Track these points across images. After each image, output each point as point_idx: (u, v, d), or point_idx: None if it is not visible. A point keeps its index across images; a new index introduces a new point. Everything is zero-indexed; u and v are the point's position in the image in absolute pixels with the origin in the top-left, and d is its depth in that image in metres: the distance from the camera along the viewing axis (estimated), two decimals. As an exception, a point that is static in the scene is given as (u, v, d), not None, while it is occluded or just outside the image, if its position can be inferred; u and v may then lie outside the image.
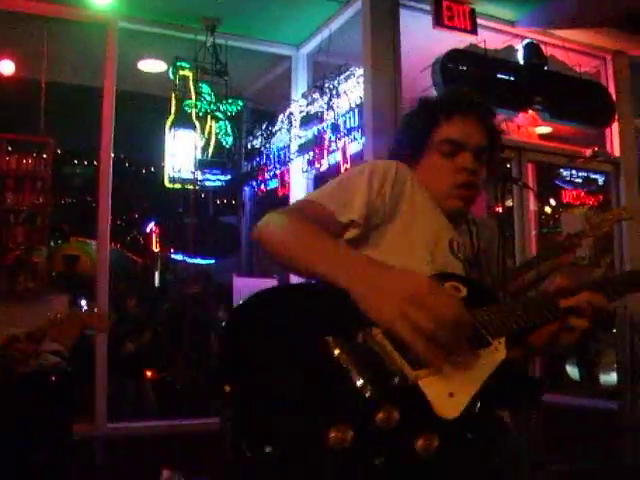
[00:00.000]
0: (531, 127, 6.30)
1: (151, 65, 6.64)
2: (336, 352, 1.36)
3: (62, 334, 2.94)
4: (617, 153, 6.57)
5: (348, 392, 1.33)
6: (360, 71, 5.40)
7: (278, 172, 6.35)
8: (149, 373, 6.72)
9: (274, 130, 6.41)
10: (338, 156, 5.54)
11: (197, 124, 6.17)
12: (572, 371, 8.50)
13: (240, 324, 1.43)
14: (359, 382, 1.34)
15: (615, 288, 1.75)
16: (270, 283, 5.94)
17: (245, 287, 5.81)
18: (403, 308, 1.33)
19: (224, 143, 6.26)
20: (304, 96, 6.11)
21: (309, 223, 1.63)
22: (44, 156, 5.31)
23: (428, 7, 5.36)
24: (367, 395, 1.33)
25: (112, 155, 5.45)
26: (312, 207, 1.75)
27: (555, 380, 7.74)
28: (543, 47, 6.16)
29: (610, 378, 7.26)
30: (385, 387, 1.35)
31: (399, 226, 1.82)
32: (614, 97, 6.53)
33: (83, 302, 7.13)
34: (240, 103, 6.33)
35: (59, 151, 8.04)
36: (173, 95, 6.18)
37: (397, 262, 1.52)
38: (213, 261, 7.37)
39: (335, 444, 1.26)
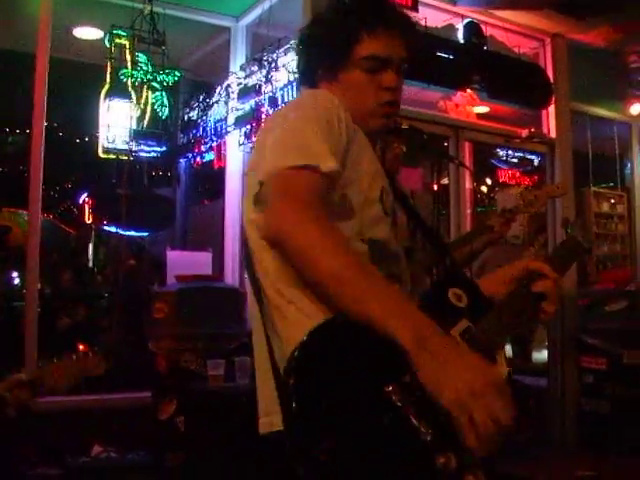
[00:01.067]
0: (469, 106, 6.35)
1: (87, 32, 6.48)
2: (397, 399, 1.33)
3: (58, 381, 2.84)
4: (553, 134, 6.68)
5: (408, 437, 1.32)
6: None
7: (214, 145, 6.26)
8: (82, 347, 6.62)
9: (211, 102, 6.31)
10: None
11: (133, 94, 6.04)
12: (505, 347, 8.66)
13: (308, 369, 1.37)
14: (417, 427, 1.32)
15: (563, 263, 1.78)
16: (204, 256, 5.90)
17: (179, 260, 5.76)
18: (467, 400, 1.29)
19: (160, 114, 6.15)
20: (242, 68, 6.03)
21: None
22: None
23: (370, -18, 5.32)
24: (427, 439, 1.31)
25: (45, 124, 5.32)
26: (295, 179, 1.50)
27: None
28: (483, 27, 6.20)
29: (541, 355, 7.43)
30: (442, 431, 1.32)
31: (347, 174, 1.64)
32: (552, 79, 6.62)
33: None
34: (177, 74, 6.21)
35: (-12, 118, 7.87)
36: (109, 64, 6.02)
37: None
38: (147, 234, 7.29)
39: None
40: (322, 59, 1.83)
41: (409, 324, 1.35)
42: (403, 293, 1.50)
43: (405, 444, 1.32)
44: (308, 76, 1.89)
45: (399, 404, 1.33)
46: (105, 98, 6.04)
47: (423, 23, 5.71)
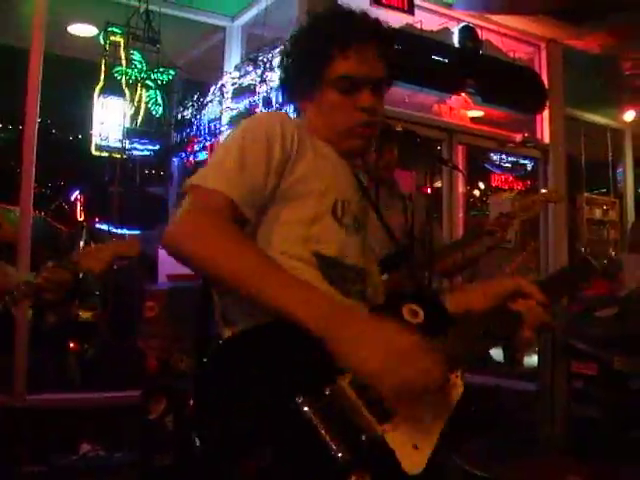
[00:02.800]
0: (463, 110, 6.35)
1: (81, 29, 6.49)
2: (306, 412, 1.32)
3: (94, 260, 2.89)
4: (546, 140, 6.68)
5: (319, 455, 1.30)
6: (287, 47, 5.33)
7: (208, 144, 6.25)
8: (72, 344, 6.59)
9: (205, 101, 6.30)
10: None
11: (127, 92, 6.04)
12: (496, 352, 8.67)
13: (212, 378, 1.37)
14: (329, 444, 1.30)
15: (562, 286, 1.76)
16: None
17: (170, 259, 5.73)
18: (391, 364, 1.32)
19: (154, 112, 6.16)
20: (237, 68, 6.02)
21: (247, 240, 1.54)
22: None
23: (365, -16, 5.33)
24: (339, 457, 1.30)
25: (38, 120, 5.30)
26: (214, 199, 1.55)
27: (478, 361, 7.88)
28: (479, 31, 6.21)
29: (532, 360, 7.43)
30: (354, 447, 1.32)
31: (284, 193, 1.66)
32: (546, 84, 6.63)
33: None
34: (172, 72, 6.22)
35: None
36: (103, 61, 6.02)
37: (274, 240, 1.60)
38: (138, 232, 7.26)
39: None
40: (297, 79, 1.81)
41: (317, 310, 1.39)
42: (309, 283, 1.47)
43: (315, 462, 1.30)
44: (288, 94, 1.89)
45: (311, 417, 1.32)
46: (99, 95, 6.04)
47: (419, 26, 5.72)
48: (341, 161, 1.79)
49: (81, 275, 2.89)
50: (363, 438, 1.34)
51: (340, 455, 1.29)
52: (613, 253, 8.22)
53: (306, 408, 1.32)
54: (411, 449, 1.37)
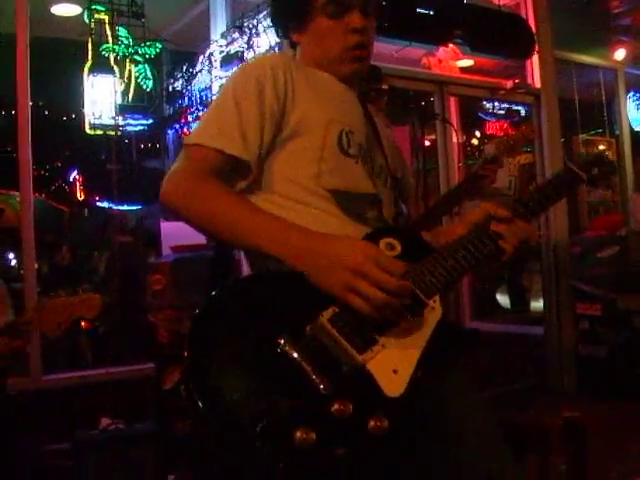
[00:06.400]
0: (452, 61, 6.33)
1: (65, 9, 6.43)
2: (288, 351, 1.39)
3: (47, 322, 2.76)
4: (538, 84, 6.66)
5: (304, 390, 1.37)
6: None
7: (201, 114, 6.26)
8: (83, 323, 6.66)
9: (195, 71, 6.30)
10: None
11: (116, 68, 6.04)
12: (503, 299, 8.75)
13: (204, 323, 1.44)
14: (312, 378, 1.37)
15: (538, 202, 1.72)
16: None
17: (172, 231, 5.78)
18: (349, 281, 1.41)
19: (144, 87, 6.16)
20: (223, 36, 6.01)
21: (219, 187, 1.60)
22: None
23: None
24: (321, 389, 1.37)
25: (30, 103, 5.30)
26: (201, 154, 1.64)
27: (485, 308, 7.96)
28: (462, -20, 6.15)
29: (539, 304, 7.50)
30: (336, 378, 1.39)
31: (288, 135, 1.72)
32: (534, 29, 6.59)
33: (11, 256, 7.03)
34: (159, 45, 6.21)
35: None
36: (89, 40, 6.00)
37: (284, 184, 1.66)
38: (139, 207, 7.30)
39: (300, 444, 1.30)
40: (288, 11, 1.87)
41: (286, 244, 1.49)
42: (278, 218, 1.56)
43: (300, 397, 1.36)
44: (281, 30, 1.93)
45: (292, 355, 1.39)
46: (88, 74, 6.04)
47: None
48: (344, 87, 1.84)
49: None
50: (344, 369, 1.40)
51: (322, 387, 1.37)
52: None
53: (287, 347, 1.39)
54: (391, 374, 1.42)
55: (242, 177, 1.71)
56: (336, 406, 1.35)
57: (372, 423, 1.35)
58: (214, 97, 5.99)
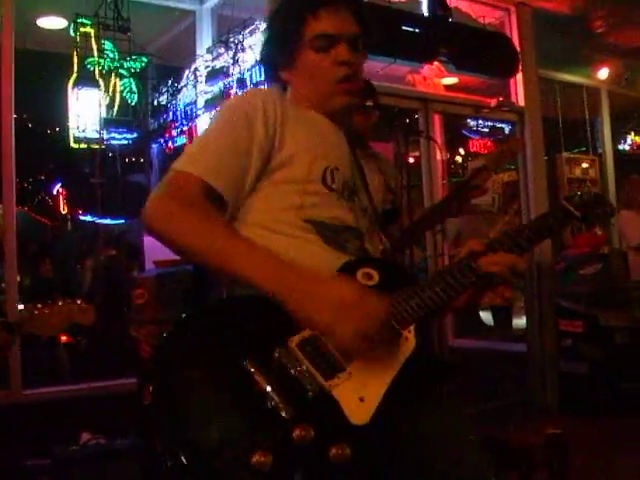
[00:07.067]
0: (437, 78, 6.36)
1: (51, 22, 6.42)
2: (254, 374, 1.40)
3: (43, 326, 2.76)
4: (522, 102, 6.70)
5: (267, 413, 1.38)
6: (265, 25, 5.33)
7: (186, 128, 6.25)
8: (64, 337, 6.62)
9: (180, 86, 6.29)
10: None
11: (101, 82, 6.03)
12: (486, 316, 8.76)
13: (171, 347, 1.46)
14: (275, 402, 1.38)
15: (527, 238, 1.71)
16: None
17: (156, 245, 5.75)
18: (340, 314, 1.42)
19: (129, 101, 6.15)
20: (209, 51, 6.01)
21: (207, 214, 1.59)
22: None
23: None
24: (283, 414, 1.37)
25: (14, 116, 5.28)
26: (187, 181, 1.63)
27: (468, 325, 7.97)
28: (447, -1, 6.20)
29: (521, 322, 7.52)
30: (300, 403, 1.40)
31: (273, 168, 1.73)
32: (518, 48, 6.64)
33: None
34: (144, 59, 6.20)
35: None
36: (75, 53, 5.99)
37: (265, 214, 1.67)
38: (123, 221, 7.26)
39: (259, 467, 1.31)
40: (277, 47, 1.88)
41: (269, 273, 1.49)
42: (263, 248, 1.56)
43: (264, 420, 1.37)
44: (270, 69, 1.95)
45: (258, 379, 1.40)
46: (73, 87, 6.01)
47: (388, -3, 5.73)
48: (331, 125, 1.85)
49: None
50: (309, 394, 1.41)
51: (284, 412, 1.37)
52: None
53: (254, 370, 1.40)
54: (357, 402, 1.43)
55: (219, 209, 1.70)
56: (297, 431, 1.35)
57: (334, 451, 1.35)
58: (199, 117, 6.01)
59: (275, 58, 1.90)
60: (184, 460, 1.32)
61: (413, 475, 1.55)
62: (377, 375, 1.48)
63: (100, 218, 6.75)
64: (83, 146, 6.14)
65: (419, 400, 1.56)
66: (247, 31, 5.39)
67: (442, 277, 1.63)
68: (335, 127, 1.86)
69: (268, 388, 1.39)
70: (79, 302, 2.76)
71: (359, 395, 1.44)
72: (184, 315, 1.49)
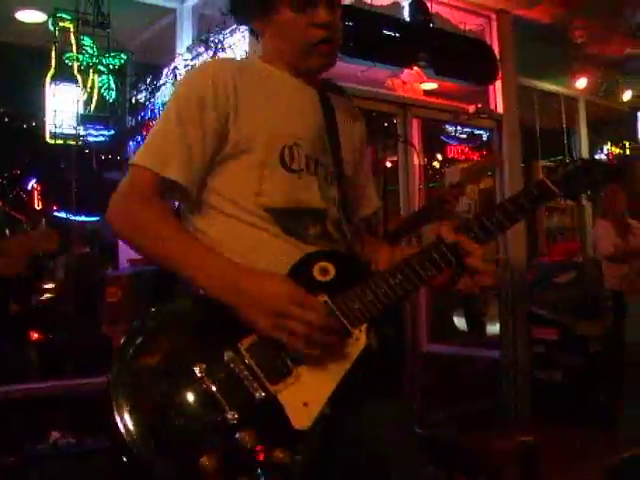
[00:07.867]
0: (416, 83, 6.36)
1: (29, 15, 6.37)
2: (203, 377, 1.42)
3: (7, 263, 2.74)
4: (500, 110, 6.73)
5: (213, 416, 1.40)
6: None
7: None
8: (35, 335, 6.55)
9: (159, 84, 6.25)
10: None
11: (79, 78, 5.98)
12: (459, 321, 8.79)
13: (126, 348, 1.47)
14: (222, 405, 1.40)
15: (497, 223, 1.61)
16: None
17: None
18: (276, 320, 1.43)
19: (107, 97, 6.11)
20: (189, 50, 5.99)
21: (158, 213, 1.61)
22: None
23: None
24: (228, 418, 1.39)
25: (-10, 109, 5.25)
26: (142, 176, 1.64)
27: (443, 330, 7.99)
28: (429, 4, 6.20)
29: (495, 328, 7.55)
30: (246, 407, 1.41)
31: (228, 153, 1.69)
32: (498, 55, 6.67)
33: None
34: (123, 56, 6.16)
35: None
36: (53, 47, 5.95)
37: (224, 203, 1.65)
38: (97, 218, 7.22)
39: (204, 469, 1.33)
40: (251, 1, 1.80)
41: (217, 278, 1.50)
42: (208, 249, 1.58)
43: (209, 424, 1.40)
44: (241, 16, 1.90)
45: (205, 383, 1.42)
46: (50, 83, 5.97)
47: (369, 1, 5.73)
48: (299, 89, 1.80)
49: None
50: (255, 398, 1.42)
51: (230, 415, 1.39)
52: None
53: (203, 373, 1.42)
54: (301, 406, 1.44)
55: (182, 199, 1.72)
56: (242, 435, 1.37)
57: (277, 454, 1.37)
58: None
59: (249, 6, 1.80)
60: (131, 460, 1.36)
61: (355, 476, 1.56)
62: (323, 379, 1.47)
63: (75, 215, 6.69)
64: (59, 142, 6.09)
65: (367, 400, 1.56)
66: (227, 31, 5.37)
67: (401, 269, 1.58)
68: (305, 88, 1.81)
69: (216, 391, 1.41)
70: (40, 228, 2.72)
71: (303, 400, 1.45)
72: (141, 316, 1.50)
